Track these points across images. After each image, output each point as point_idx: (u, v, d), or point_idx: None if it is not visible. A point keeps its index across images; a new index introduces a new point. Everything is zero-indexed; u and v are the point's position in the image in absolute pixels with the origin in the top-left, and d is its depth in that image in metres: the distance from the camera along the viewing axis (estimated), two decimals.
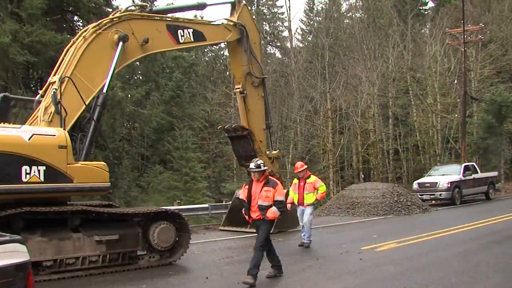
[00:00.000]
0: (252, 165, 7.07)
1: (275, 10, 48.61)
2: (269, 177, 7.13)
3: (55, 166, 7.28)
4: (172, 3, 34.76)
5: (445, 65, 32.62)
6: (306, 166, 10.21)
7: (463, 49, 26.68)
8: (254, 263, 6.76)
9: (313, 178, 10.13)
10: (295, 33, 45.41)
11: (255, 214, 7.03)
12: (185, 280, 7.35)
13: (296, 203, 10.19)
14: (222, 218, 14.18)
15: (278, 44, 47.13)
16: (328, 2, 42.50)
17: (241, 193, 7.46)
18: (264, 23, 46.94)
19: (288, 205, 9.88)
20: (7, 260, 3.37)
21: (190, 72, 38.76)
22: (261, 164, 7.08)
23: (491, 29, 33.83)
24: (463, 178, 20.10)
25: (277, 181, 7.12)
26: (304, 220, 10.04)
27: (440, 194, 19.58)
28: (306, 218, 9.98)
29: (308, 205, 9.99)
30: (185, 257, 8.57)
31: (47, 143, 7.27)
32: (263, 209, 6.90)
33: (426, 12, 44.90)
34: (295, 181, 10.34)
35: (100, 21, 8.93)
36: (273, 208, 6.86)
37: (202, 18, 30.30)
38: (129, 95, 24.03)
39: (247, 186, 7.15)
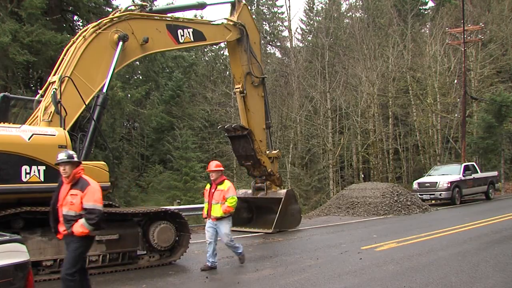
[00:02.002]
0: (61, 155, 5.08)
1: (275, 10, 48.73)
2: (83, 177, 5.15)
3: (55, 166, 7.28)
4: (172, 3, 34.81)
5: (445, 65, 32.60)
6: (221, 168, 7.95)
7: (463, 49, 26.70)
8: None
9: (226, 184, 7.80)
10: (295, 33, 45.45)
11: (62, 228, 5.13)
12: (185, 280, 7.34)
13: (205, 215, 7.99)
14: None
15: (278, 44, 47.15)
16: (328, 2, 42.50)
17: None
18: (264, 23, 46.99)
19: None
20: (7, 260, 3.37)
21: (190, 72, 38.82)
22: (74, 155, 5.13)
23: (491, 29, 33.82)
24: (463, 178, 20.09)
25: (90, 181, 5.13)
26: (223, 241, 7.87)
27: (440, 194, 19.58)
28: (224, 239, 7.83)
29: (218, 219, 7.74)
30: (185, 257, 8.58)
31: (47, 142, 7.26)
32: (69, 221, 5.02)
33: (426, 12, 44.91)
34: (208, 186, 8.17)
35: (100, 21, 8.95)
36: (81, 220, 4.97)
37: (202, 18, 30.34)
38: (129, 95, 24.04)
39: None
